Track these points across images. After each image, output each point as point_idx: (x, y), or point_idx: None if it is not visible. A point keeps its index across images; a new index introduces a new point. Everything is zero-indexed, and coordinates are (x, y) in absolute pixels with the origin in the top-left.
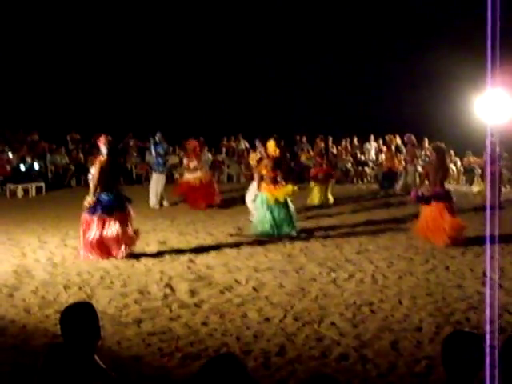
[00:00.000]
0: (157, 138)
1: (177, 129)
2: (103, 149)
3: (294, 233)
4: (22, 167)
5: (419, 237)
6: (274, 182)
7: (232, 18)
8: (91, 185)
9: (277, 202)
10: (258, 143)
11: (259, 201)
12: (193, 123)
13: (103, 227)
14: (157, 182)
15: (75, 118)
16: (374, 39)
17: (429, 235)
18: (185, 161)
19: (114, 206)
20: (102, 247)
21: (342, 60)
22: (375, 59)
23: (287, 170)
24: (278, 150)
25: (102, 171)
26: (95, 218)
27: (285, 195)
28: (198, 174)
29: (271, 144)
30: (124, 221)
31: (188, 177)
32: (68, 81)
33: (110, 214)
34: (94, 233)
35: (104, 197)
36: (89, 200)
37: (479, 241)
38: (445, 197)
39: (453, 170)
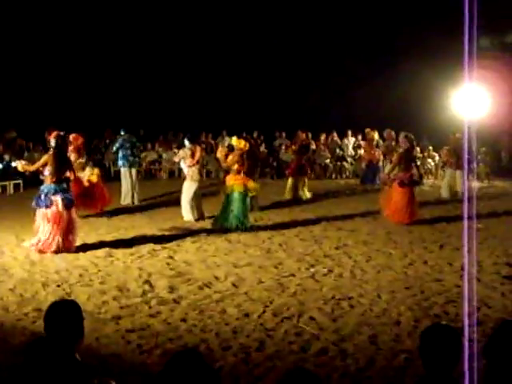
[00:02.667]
0: (122, 134)
1: (156, 124)
2: (52, 142)
3: (247, 225)
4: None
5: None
6: (239, 173)
7: (210, 15)
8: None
9: (238, 192)
10: (186, 142)
11: (226, 191)
12: (172, 119)
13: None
14: (124, 177)
15: (53, 114)
16: (356, 34)
17: (394, 215)
18: (72, 157)
19: (69, 202)
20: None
21: (321, 56)
22: (352, 54)
23: (253, 165)
24: (247, 144)
25: (49, 162)
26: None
27: (243, 186)
28: (87, 173)
29: (238, 141)
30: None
31: (80, 175)
32: (45, 78)
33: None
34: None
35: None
36: (22, 162)
37: (456, 235)
38: (414, 183)
39: (431, 164)
